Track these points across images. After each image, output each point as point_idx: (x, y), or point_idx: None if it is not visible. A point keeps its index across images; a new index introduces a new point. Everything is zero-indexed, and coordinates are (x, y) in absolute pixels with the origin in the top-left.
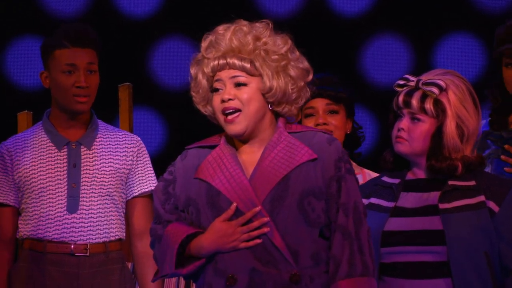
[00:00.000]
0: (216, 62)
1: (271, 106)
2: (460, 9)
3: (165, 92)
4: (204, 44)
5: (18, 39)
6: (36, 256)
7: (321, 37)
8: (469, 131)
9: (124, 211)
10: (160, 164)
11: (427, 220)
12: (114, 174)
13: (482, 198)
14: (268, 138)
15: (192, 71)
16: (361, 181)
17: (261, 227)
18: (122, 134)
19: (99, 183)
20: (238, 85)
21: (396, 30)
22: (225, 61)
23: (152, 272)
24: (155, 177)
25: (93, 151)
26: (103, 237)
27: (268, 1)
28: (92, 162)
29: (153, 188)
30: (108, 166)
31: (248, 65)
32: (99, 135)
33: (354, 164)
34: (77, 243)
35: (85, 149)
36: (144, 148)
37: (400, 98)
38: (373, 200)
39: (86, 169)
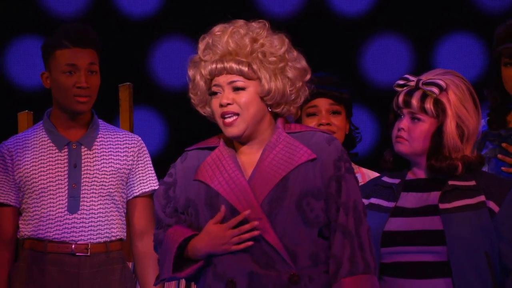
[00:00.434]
0: (213, 66)
1: (270, 108)
2: (460, 9)
3: (165, 92)
4: (201, 45)
5: (18, 39)
6: (36, 256)
7: (321, 37)
8: (469, 131)
9: (125, 211)
10: (160, 164)
11: (427, 220)
12: (114, 174)
13: (482, 198)
14: (267, 139)
15: (190, 73)
16: (359, 180)
17: (253, 230)
18: (123, 134)
19: (100, 183)
20: (236, 89)
21: (396, 30)
22: (222, 66)
23: (153, 272)
24: (155, 177)
25: (94, 151)
26: (104, 237)
27: (268, 1)
28: (92, 162)
29: (153, 188)
30: (109, 166)
31: (245, 69)
32: (99, 135)
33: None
34: (78, 243)
35: (85, 149)
36: (145, 148)
37: (400, 98)
38: (373, 200)
39: (87, 169)
